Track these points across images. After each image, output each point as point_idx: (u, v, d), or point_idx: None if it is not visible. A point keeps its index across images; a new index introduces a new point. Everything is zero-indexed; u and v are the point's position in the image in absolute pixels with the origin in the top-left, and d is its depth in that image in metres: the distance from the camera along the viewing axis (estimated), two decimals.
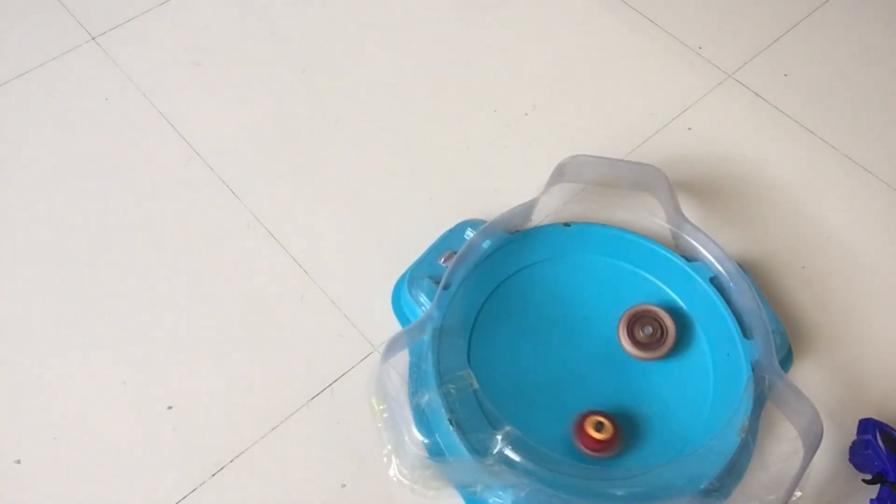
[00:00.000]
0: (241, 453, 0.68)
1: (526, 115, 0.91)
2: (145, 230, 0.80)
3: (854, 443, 0.68)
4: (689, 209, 0.82)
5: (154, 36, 0.96)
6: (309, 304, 0.76)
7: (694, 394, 0.70)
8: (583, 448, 0.66)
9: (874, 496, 0.65)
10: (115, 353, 0.73)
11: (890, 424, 0.67)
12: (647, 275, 0.76)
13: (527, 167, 0.85)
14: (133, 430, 0.69)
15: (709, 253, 0.75)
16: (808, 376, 0.73)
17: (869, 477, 0.66)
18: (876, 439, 0.65)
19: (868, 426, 0.67)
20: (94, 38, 0.95)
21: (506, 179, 0.85)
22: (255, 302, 0.76)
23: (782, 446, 0.68)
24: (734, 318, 0.72)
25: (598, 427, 0.65)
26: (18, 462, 0.67)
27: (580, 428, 0.66)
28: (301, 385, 0.71)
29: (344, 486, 0.67)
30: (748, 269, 0.78)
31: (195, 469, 0.67)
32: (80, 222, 0.80)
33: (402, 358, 0.71)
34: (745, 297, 0.72)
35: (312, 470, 0.67)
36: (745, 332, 0.71)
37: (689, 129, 0.91)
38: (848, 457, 0.68)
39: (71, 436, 0.68)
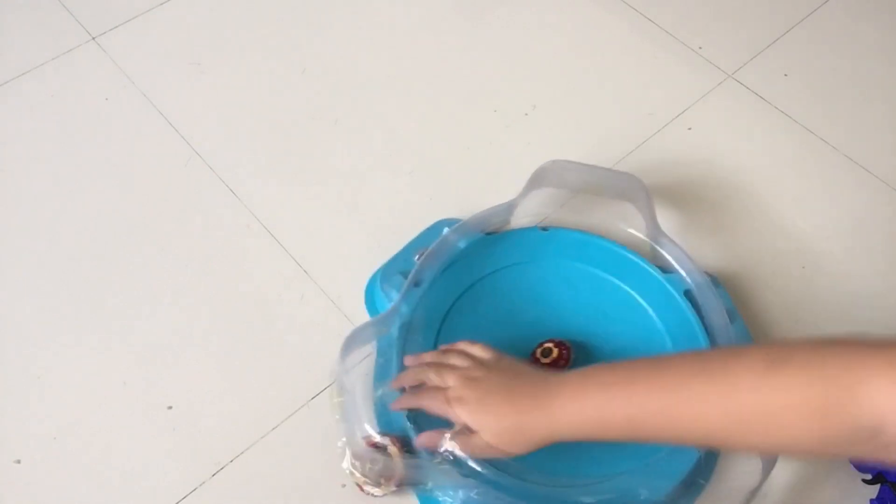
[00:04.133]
0: (241, 453, 0.68)
1: (526, 115, 0.91)
2: (145, 230, 0.80)
3: None
4: (689, 209, 0.82)
5: (154, 36, 0.96)
6: (309, 304, 0.76)
7: None
8: None
9: (874, 496, 0.65)
10: (115, 353, 0.73)
11: None
12: (622, 284, 0.76)
13: (527, 167, 0.85)
14: (133, 430, 0.69)
15: (681, 267, 0.74)
16: None
17: (869, 477, 0.66)
18: None
19: None
20: (94, 38, 0.95)
21: (506, 179, 0.85)
22: (255, 302, 0.76)
23: (742, 464, 0.68)
24: (705, 333, 0.71)
25: (546, 353, 0.69)
26: (18, 462, 0.67)
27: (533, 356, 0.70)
28: (301, 385, 0.71)
29: (344, 486, 0.67)
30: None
31: (195, 469, 0.67)
32: (79, 222, 0.80)
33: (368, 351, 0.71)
34: (715, 314, 0.71)
35: (312, 470, 0.67)
36: (715, 346, 0.70)
37: (689, 129, 0.91)
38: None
39: (71, 436, 0.68)
